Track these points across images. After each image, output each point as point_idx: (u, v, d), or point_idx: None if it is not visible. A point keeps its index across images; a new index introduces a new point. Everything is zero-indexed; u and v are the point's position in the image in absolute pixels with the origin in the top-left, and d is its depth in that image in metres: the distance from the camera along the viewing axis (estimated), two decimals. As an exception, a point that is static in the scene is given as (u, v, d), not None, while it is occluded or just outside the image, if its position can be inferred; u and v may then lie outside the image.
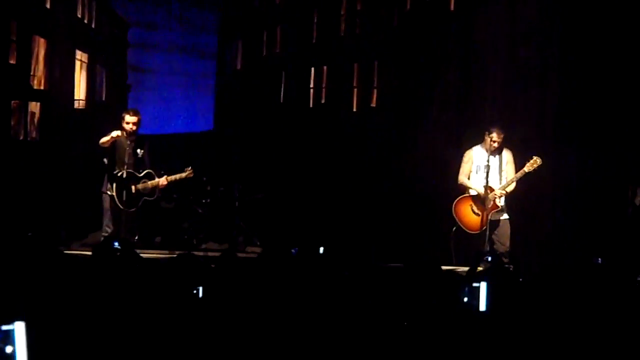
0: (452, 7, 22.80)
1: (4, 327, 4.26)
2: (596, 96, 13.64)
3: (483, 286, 6.41)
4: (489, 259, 8.55)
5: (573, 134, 13.78)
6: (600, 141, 13.54)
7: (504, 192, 11.26)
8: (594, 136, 13.58)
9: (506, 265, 9.11)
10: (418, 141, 19.08)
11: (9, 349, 4.25)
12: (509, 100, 14.98)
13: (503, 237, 11.41)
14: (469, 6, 18.55)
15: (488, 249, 11.15)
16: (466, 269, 8.91)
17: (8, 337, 4.25)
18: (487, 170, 11.19)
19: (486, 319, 6.24)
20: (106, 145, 11.05)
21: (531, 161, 11.16)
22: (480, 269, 8.28)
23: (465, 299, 6.43)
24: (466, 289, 6.44)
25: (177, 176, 11.42)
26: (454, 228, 11.43)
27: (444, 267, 7.40)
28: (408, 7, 25.34)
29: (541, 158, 11.19)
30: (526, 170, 11.19)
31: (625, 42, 13.46)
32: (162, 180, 11.26)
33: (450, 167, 11.89)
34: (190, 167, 11.48)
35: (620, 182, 13.17)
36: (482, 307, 6.39)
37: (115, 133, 10.95)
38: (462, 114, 17.27)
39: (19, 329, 4.28)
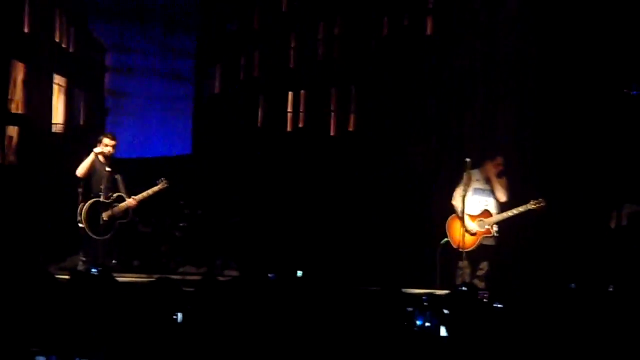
0: (428, 32, 22.94)
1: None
2: (575, 120, 13.76)
3: (444, 312, 6.41)
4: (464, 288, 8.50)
5: (552, 159, 13.87)
6: (579, 165, 13.64)
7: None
8: (573, 160, 13.68)
9: (481, 290, 9.09)
10: (396, 165, 19.16)
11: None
12: (488, 124, 15.07)
13: (484, 260, 11.43)
14: (446, 31, 18.70)
15: (466, 264, 11.17)
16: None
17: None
18: (485, 195, 11.28)
19: (447, 344, 6.22)
20: (85, 175, 10.98)
21: (537, 200, 11.11)
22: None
23: (427, 324, 6.39)
24: (427, 313, 6.41)
25: (150, 191, 11.24)
26: (445, 240, 11.35)
27: (423, 291, 7.40)
28: (385, 31, 25.46)
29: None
30: (529, 208, 11.16)
31: (601, 68, 13.59)
32: (131, 201, 11.15)
33: (430, 190, 11.90)
34: (163, 178, 11.32)
35: (600, 205, 13.23)
36: (443, 332, 6.35)
37: (92, 155, 10.91)
38: (440, 137, 17.37)
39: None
